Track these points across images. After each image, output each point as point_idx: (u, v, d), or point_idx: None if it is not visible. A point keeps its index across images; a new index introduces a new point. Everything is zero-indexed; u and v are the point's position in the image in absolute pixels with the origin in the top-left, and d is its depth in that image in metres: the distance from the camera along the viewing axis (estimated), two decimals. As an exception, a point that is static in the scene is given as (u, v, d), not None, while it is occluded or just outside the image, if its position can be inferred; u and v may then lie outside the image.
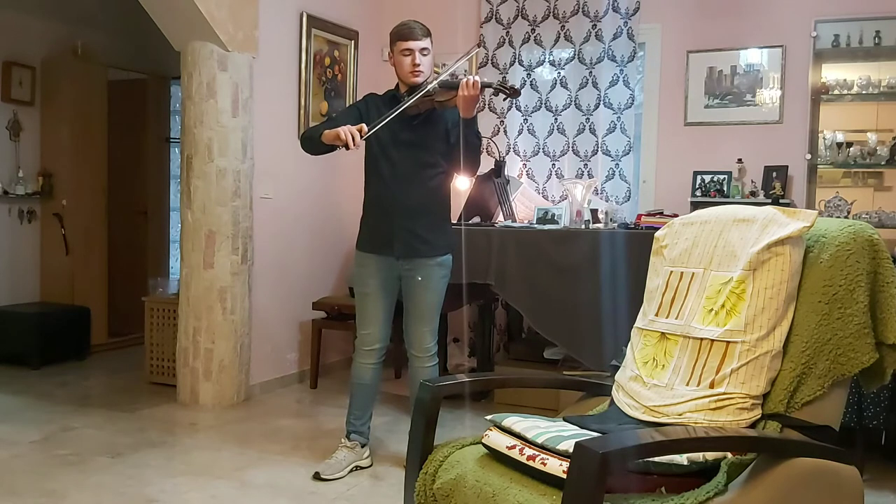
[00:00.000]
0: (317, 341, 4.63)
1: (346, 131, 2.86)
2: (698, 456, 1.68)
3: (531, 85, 5.00)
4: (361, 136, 2.88)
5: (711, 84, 4.67)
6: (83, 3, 5.60)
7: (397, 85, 3.20)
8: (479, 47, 2.99)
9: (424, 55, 3.07)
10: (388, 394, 4.45)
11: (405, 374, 4.17)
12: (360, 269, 3.24)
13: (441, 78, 3.01)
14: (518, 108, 5.03)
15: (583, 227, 4.02)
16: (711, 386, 1.89)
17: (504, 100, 4.93)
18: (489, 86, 3.01)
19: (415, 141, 3.12)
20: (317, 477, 3.12)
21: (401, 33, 3.09)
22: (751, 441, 1.71)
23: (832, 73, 4.41)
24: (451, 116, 3.10)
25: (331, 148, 3.01)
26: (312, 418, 4.07)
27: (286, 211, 4.65)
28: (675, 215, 3.37)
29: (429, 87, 2.98)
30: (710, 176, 4.56)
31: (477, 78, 2.90)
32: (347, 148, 2.88)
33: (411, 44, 3.05)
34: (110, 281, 5.73)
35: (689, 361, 1.97)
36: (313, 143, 3.07)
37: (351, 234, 3.77)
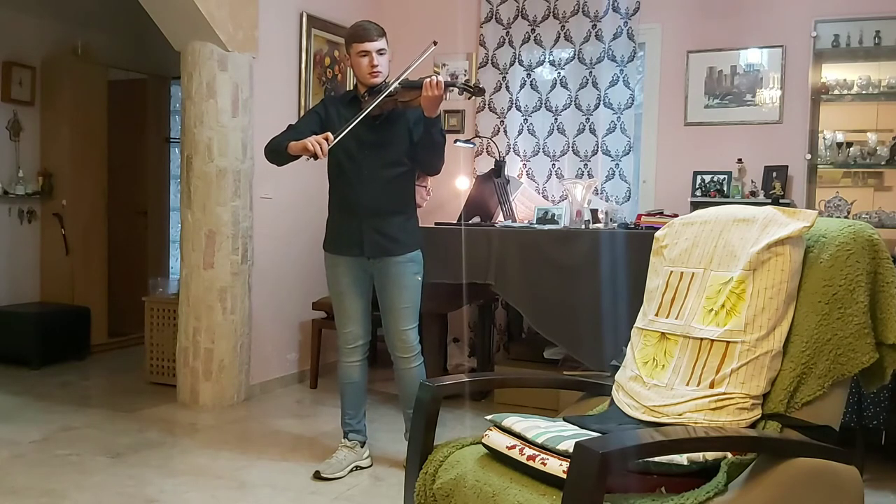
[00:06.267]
0: (317, 341, 4.63)
1: (313, 143, 2.86)
2: (698, 456, 1.68)
3: (531, 85, 5.00)
4: (329, 145, 2.88)
5: (711, 84, 4.67)
6: (83, 3, 5.60)
7: (356, 85, 3.19)
8: (434, 45, 2.97)
9: (381, 55, 3.07)
10: (388, 394, 4.45)
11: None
12: (332, 269, 3.25)
13: (402, 77, 2.99)
14: (518, 108, 5.03)
15: (583, 227, 4.02)
16: (711, 386, 1.89)
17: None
18: (453, 85, 3.00)
19: (378, 141, 3.11)
20: (317, 476, 3.12)
21: (356, 35, 3.08)
22: (751, 441, 1.71)
23: (832, 73, 4.41)
24: (413, 114, 3.10)
25: (295, 157, 3.02)
26: (312, 418, 4.07)
27: (286, 211, 4.65)
28: (675, 215, 3.37)
29: (390, 87, 2.97)
30: (710, 176, 4.56)
31: (440, 78, 2.90)
32: (316, 158, 2.89)
33: (367, 45, 3.04)
34: (110, 281, 5.74)
35: (689, 361, 1.97)
36: (279, 155, 3.06)
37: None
